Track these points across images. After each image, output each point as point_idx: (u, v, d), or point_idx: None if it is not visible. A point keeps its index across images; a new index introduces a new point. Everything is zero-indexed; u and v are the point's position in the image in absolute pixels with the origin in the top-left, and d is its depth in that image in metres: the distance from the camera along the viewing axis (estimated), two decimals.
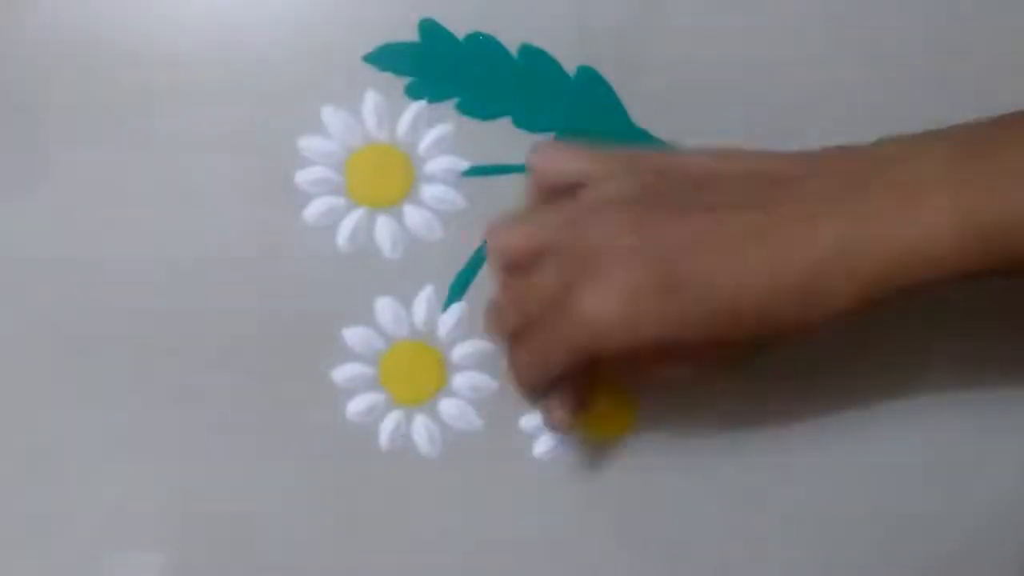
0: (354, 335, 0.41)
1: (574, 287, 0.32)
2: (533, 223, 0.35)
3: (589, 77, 0.40)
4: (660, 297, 0.32)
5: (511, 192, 0.40)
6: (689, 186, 0.33)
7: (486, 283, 0.41)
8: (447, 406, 0.41)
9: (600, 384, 0.39)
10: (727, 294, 0.31)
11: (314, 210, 0.40)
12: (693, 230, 0.32)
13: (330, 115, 0.40)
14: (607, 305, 0.32)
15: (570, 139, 0.37)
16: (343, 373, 0.41)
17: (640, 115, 0.40)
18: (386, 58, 0.40)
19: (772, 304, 0.32)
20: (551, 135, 0.40)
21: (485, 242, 0.40)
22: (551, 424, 0.38)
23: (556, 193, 0.35)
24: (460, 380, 0.41)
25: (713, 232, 0.32)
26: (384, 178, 0.40)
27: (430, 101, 0.40)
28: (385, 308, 0.41)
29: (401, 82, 0.40)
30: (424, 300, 0.41)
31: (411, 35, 0.40)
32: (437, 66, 0.40)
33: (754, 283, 0.31)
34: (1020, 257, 0.31)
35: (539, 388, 0.36)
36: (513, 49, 0.40)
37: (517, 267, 0.35)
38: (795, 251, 0.31)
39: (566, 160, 0.35)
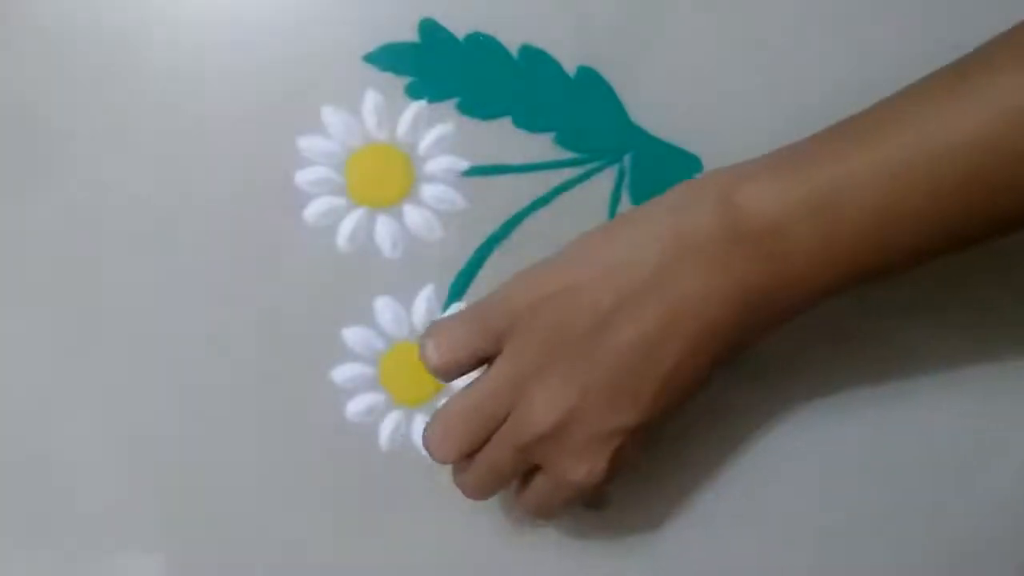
0: (354, 335, 0.41)
1: (551, 467, 0.35)
2: (470, 424, 0.36)
3: (589, 77, 0.40)
4: (627, 433, 0.35)
5: (511, 192, 0.40)
6: (576, 316, 0.34)
7: (486, 283, 0.41)
8: None
9: None
10: (672, 389, 0.34)
11: (314, 210, 0.40)
12: (610, 362, 0.34)
13: (330, 115, 0.40)
14: (594, 471, 0.35)
15: (448, 317, 0.37)
16: (343, 373, 0.41)
17: (640, 115, 0.40)
18: (386, 58, 0.40)
19: (702, 369, 0.34)
20: (551, 135, 0.40)
21: (485, 242, 0.41)
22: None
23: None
24: (459, 381, 0.41)
25: (624, 354, 0.34)
26: (384, 178, 0.40)
27: (430, 101, 0.40)
28: (385, 308, 0.41)
29: (401, 82, 0.40)
30: (424, 300, 0.41)
31: (411, 35, 0.40)
32: (437, 66, 0.40)
33: (678, 363, 0.34)
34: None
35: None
36: (513, 49, 0.40)
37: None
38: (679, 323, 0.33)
39: (457, 351, 0.36)
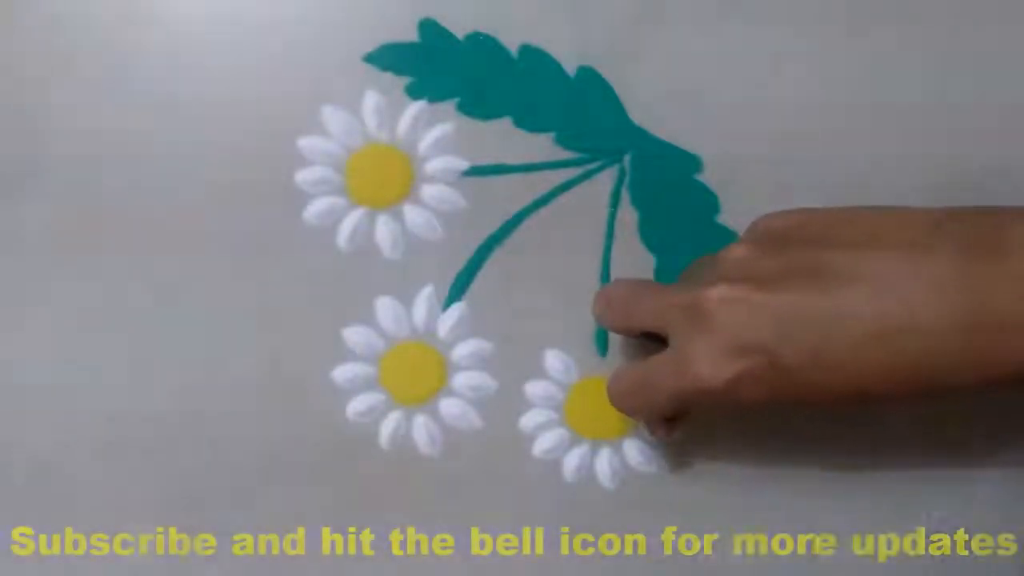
0: (354, 335, 0.41)
1: (687, 346, 0.33)
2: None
3: (589, 77, 0.40)
4: (765, 372, 0.32)
5: (511, 192, 0.40)
6: (809, 254, 0.32)
7: (486, 283, 0.41)
8: (447, 406, 0.41)
9: None
10: (832, 372, 0.31)
11: (314, 210, 0.40)
12: (800, 304, 0.31)
13: (330, 115, 0.40)
14: (716, 372, 0.32)
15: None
16: (343, 373, 0.41)
17: (640, 115, 0.40)
18: (386, 58, 0.40)
19: (880, 385, 0.31)
20: (551, 135, 0.40)
21: (485, 242, 0.41)
22: (653, 436, 0.41)
23: None
24: (460, 380, 0.41)
25: (819, 307, 0.31)
26: (384, 178, 0.40)
27: (430, 101, 0.40)
28: (385, 308, 0.41)
29: (401, 82, 0.40)
30: (424, 300, 0.41)
31: (411, 35, 0.40)
32: (437, 66, 0.40)
33: (861, 362, 0.31)
34: None
35: (638, 417, 0.40)
36: (513, 49, 0.40)
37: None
38: (916, 334, 0.30)
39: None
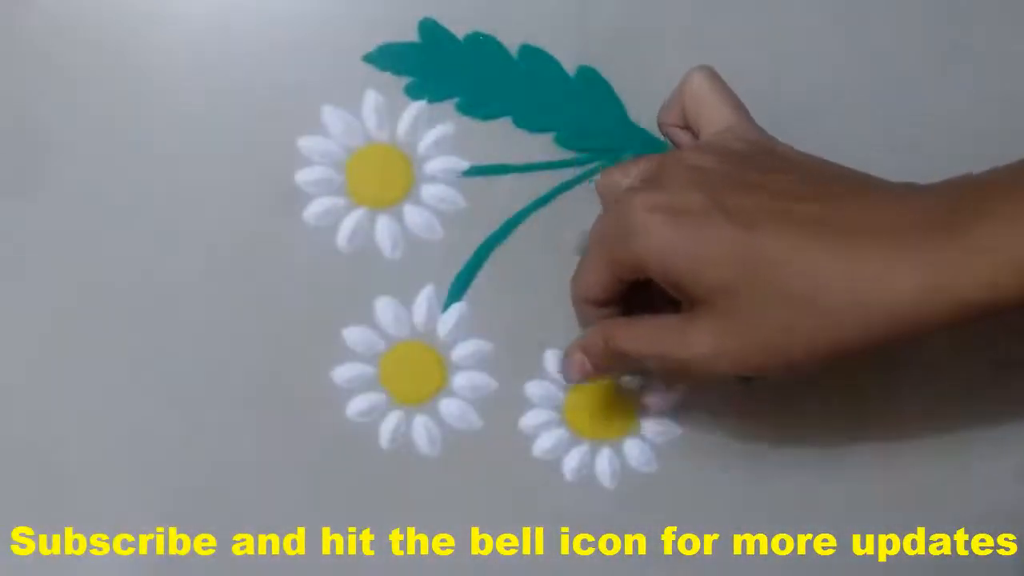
0: (354, 335, 0.41)
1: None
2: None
3: (589, 77, 0.40)
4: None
5: (511, 192, 0.40)
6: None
7: (486, 283, 0.41)
8: (447, 406, 0.41)
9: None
10: (812, 342, 0.32)
11: (314, 210, 0.40)
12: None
13: (330, 115, 0.40)
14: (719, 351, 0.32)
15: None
16: (343, 373, 0.41)
17: (640, 115, 0.40)
18: (386, 58, 0.40)
19: (858, 343, 0.32)
20: (551, 135, 0.40)
21: (485, 242, 0.41)
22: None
23: None
24: (460, 380, 0.41)
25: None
26: (384, 178, 0.40)
27: (430, 101, 0.40)
28: (385, 308, 0.41)
29: (401, 82, 0.40)
30: (424, 300, 0.41)
31: (411, 35, 0.40)
32: (437, 66, 0.40)
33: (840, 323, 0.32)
34: None
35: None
36: (513, 49, 0.40)
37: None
38: (887, 292, 0.31)
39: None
